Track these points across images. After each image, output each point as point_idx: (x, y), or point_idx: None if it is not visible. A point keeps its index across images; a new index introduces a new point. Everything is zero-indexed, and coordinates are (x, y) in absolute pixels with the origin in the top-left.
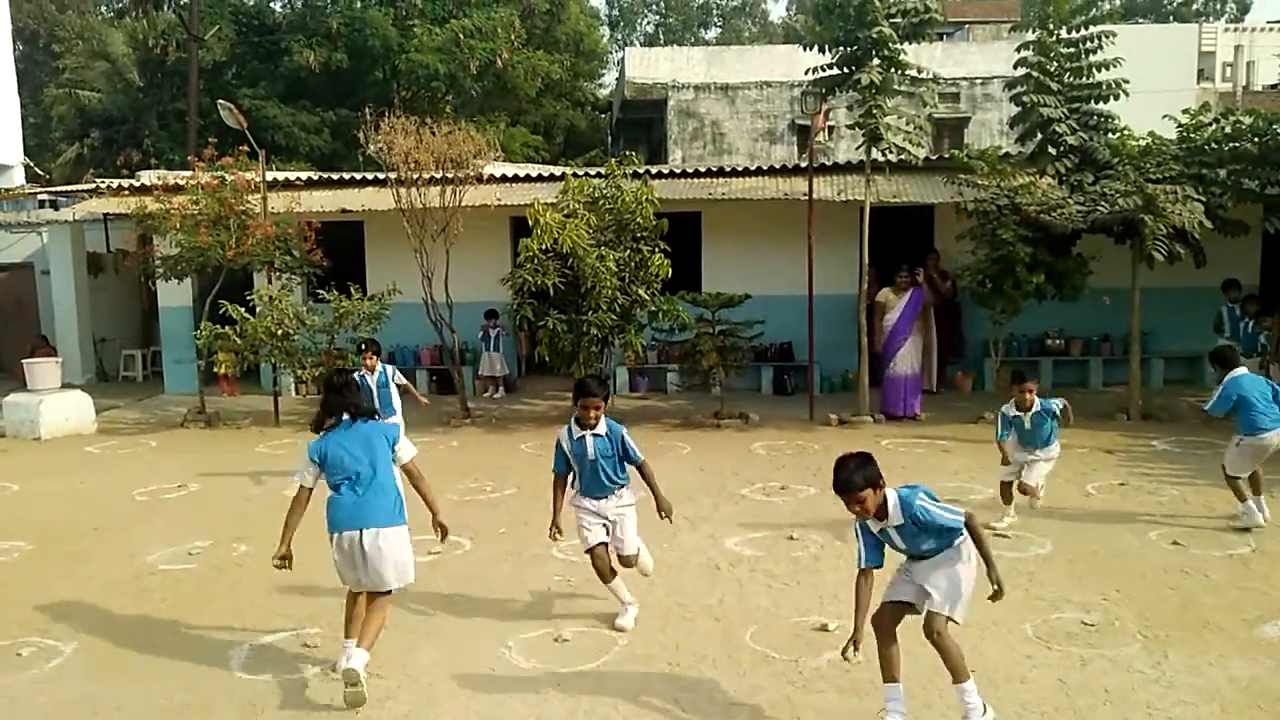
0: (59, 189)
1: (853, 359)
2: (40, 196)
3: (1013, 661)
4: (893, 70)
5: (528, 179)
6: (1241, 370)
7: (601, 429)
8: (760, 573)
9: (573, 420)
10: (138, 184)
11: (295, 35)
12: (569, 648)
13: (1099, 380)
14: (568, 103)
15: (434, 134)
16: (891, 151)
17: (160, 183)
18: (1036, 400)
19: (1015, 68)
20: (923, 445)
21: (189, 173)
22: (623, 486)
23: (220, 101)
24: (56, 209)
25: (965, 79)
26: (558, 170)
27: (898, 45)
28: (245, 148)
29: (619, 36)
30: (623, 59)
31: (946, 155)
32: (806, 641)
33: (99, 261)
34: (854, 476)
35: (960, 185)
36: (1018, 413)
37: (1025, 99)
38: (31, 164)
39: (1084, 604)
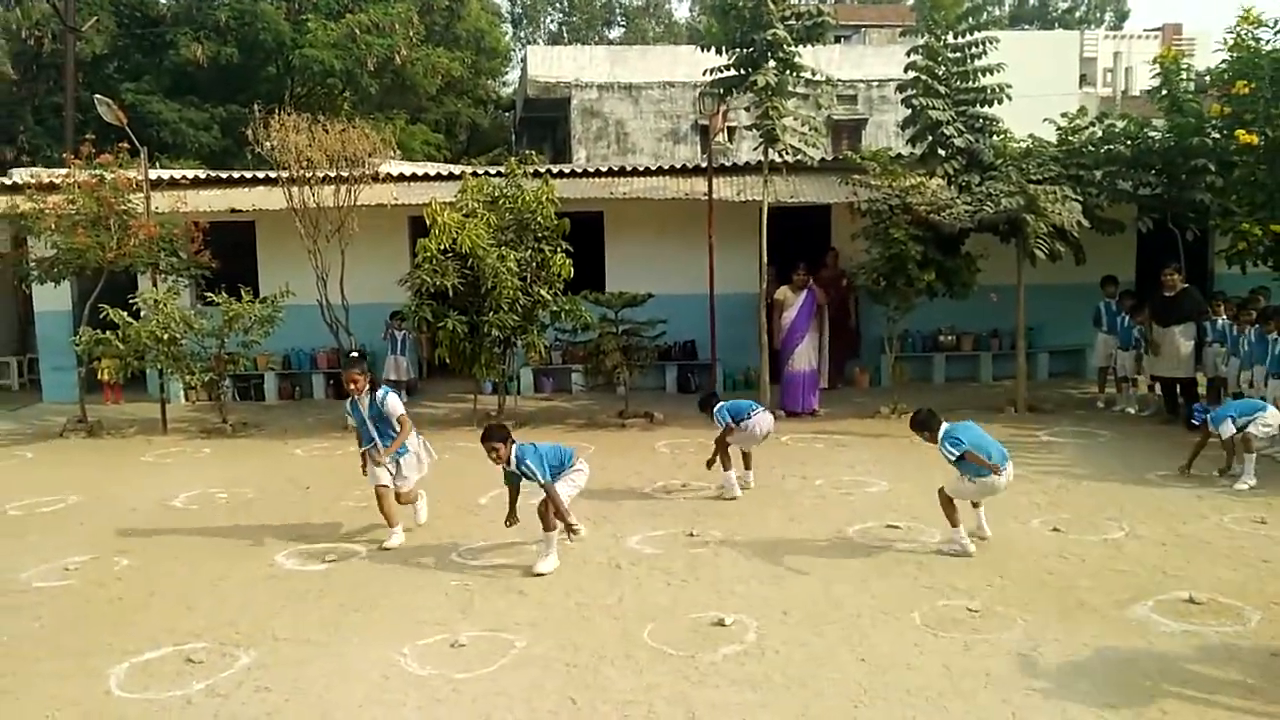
0: None
1: (755, 356)
2: None
3: (901, 648)
4: (788, 72)
5: (426, 178)
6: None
7: (512, 463)
8: (659, 570)
9: None
10: (9, 182)
11: (181, 28)
12: (466, 653)
13: (989, 375)
14: (470, 101)
15: (328, 131)
16: (788, 152)
17: (34, 181)
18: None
19: (906, 71)
20: (821, 440)
21: (65, 170)
22: (564, 470)
23: (98, 96)
24: None
25: (863, 81)
26: (458, 169)
27: (792, 48)
28: (126, 144)
29: (522, 34)
30: (525, 57)
31: (842, 156)
32: (703, 637)
33: None
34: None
35: (855, 185)
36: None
37: (915, 102)
38: None
39: (969, 591)
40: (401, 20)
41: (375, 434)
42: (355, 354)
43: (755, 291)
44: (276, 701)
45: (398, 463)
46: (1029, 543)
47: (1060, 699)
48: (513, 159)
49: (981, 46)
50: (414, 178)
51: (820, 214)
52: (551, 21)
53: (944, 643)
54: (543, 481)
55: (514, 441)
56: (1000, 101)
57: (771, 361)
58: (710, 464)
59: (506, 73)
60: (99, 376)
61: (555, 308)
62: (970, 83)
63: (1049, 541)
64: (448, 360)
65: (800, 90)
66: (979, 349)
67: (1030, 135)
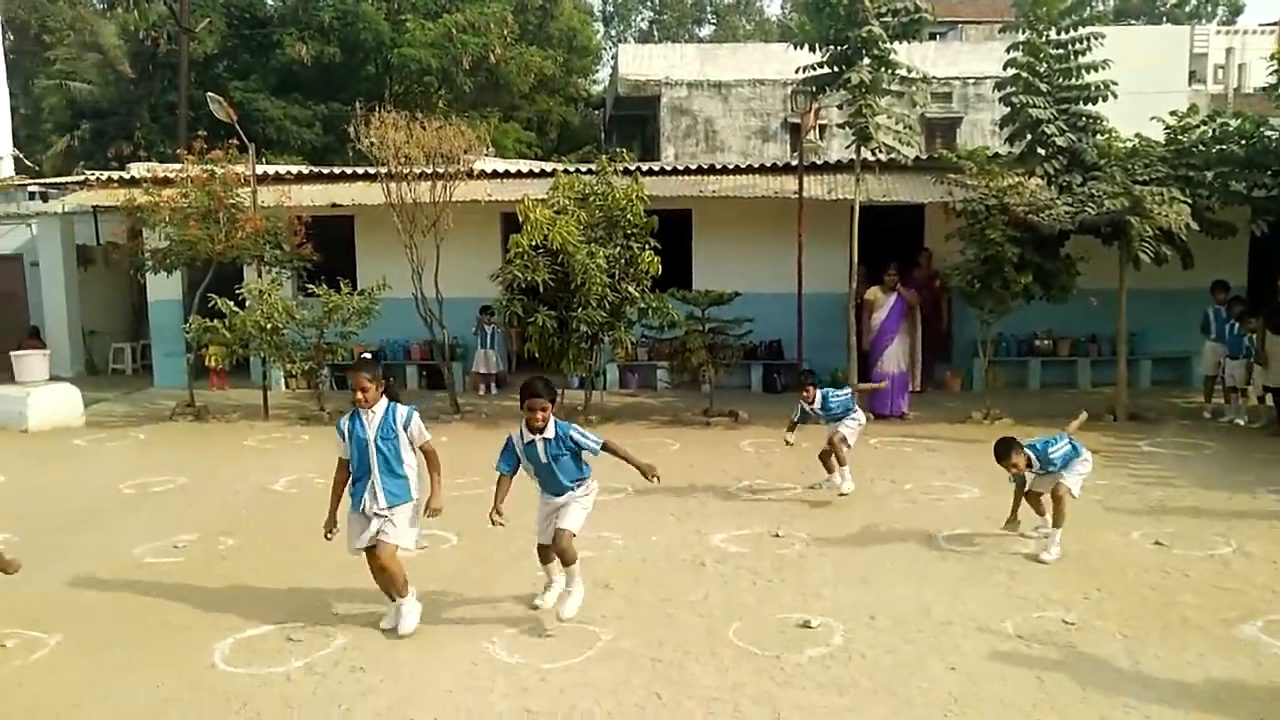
0: (49, 181)
1: (842, 357)
2: (30, 188)
3: (994, 659)
4: (883, 69)
5: (519, 175)
6: None
7: (550, 431)
8: (745, 569)
9: (523, 423)
10: (127, 176)
11: (287, 28)
12: (553, 643)
13: (1086, 381)
14: (561, 99)
15: (425, 129)
16: (881, 151)
17: (150, 175)
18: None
19: (1005, 68)
20: (910, 444)
21: (179, 166)
22: (583, 480)
23: (210, 94)
24: (46, 201)
25: (958, 79)
26: (549, 166)
27: (888, 44)
28: (235, 141)
29: (613, 33)
30: (616, 55)
31: (937, 155)
32: (789, 638)
33: (89, 254)
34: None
35: (950, 185)
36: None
37: (1014, 100)
38: (21, 155)
39: (1065, 603)
40: (496, 20)
41: (377, 465)
42: (367, 355)
43: (844, 291)
44: (371, 682)
45: (389, 514)
46: (1129, 556)
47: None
48: (603, 157)
49: (1085, 42)
50: (507, 175)
51: (913, 214)
52: (642, 20)
53: (1038, 655)
54: (596, 449)
55: None
56: (1105, 99)
57: (860, 363)
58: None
59: (597, 71)
60: (206, 363)
61: (643, 305)
62: (1073, 80)
63: (1150, 555)
64: (536, 354)
65: (895, 88)
66: (1076, 354)
67: (1137, 134)
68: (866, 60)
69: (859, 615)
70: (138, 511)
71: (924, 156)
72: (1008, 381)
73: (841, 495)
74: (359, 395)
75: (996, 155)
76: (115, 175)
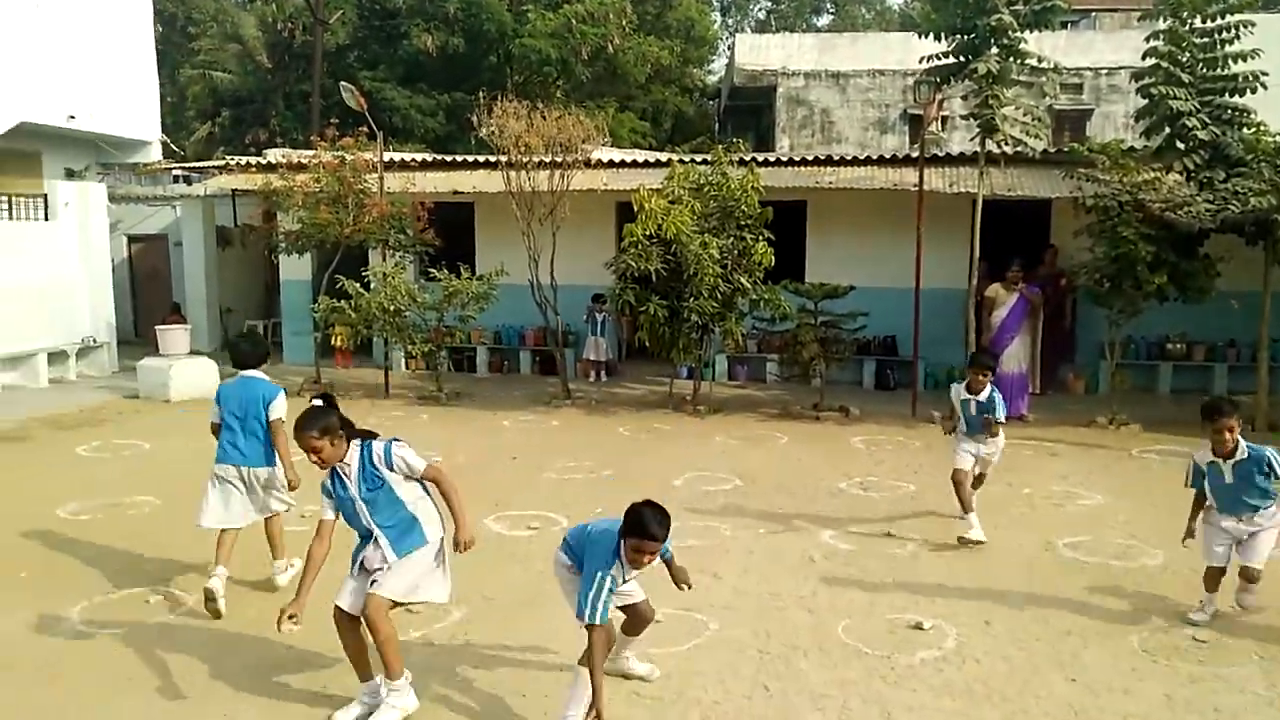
0: (192, 165)
1: (959, 355)
2: (175, 172)
3: (1117, 673)
4: (1011, 59)
5: (634, 164)
6: None
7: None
8: (855, 567)
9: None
10: (264, 162)
11: (414, 19)
12: (660, 629)
13: (1223, 388)
14: (676, 89)
15: (544, 118)
16: (1008, 143)
17: (285, 161)
18: (1241, 444)
19: (1144, 58)
20: (1030, 447)
21: (312, 152)
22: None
23: (342, 83)
24: (189, 184)
25: (1090, 69)
26: (664, 156)
27: (1018, 33)
28: (365, 129)
29: (730, 22)
30: (733, 45)
31: (1066, 148)
32: (900, 639)
33: (226, 235)
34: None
35: (1080, 180)
36: (1214, 458)
37: (1153, 91)
38: (168, 141)
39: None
40: (615, 10)
41: (374, 522)
42: (317, 402)
43: (961, 287)
44: (484, 655)
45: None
46: (1270, 571)
47: None
48: (718, 147)
49: (1233, 30)
50: (622, 164)
51: (1039, 209)
52: (760, 9)
53: (1165, 671)
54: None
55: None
56: (1253, 91)
57: None
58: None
59: (713, 61)
60: (332, 342)
61: (754, 296)
62: (1218, 70)
63: None
64: (647, 343)
65: (1024, 78)
66: (1212, 360)
67: None
68: (994, 50)
69: (973, 620)
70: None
71: (1052, 150)
72: (1135, 386)
73: (967, 542)
74: (312, 459)
75: (1132, 149)
76: (252, 160)
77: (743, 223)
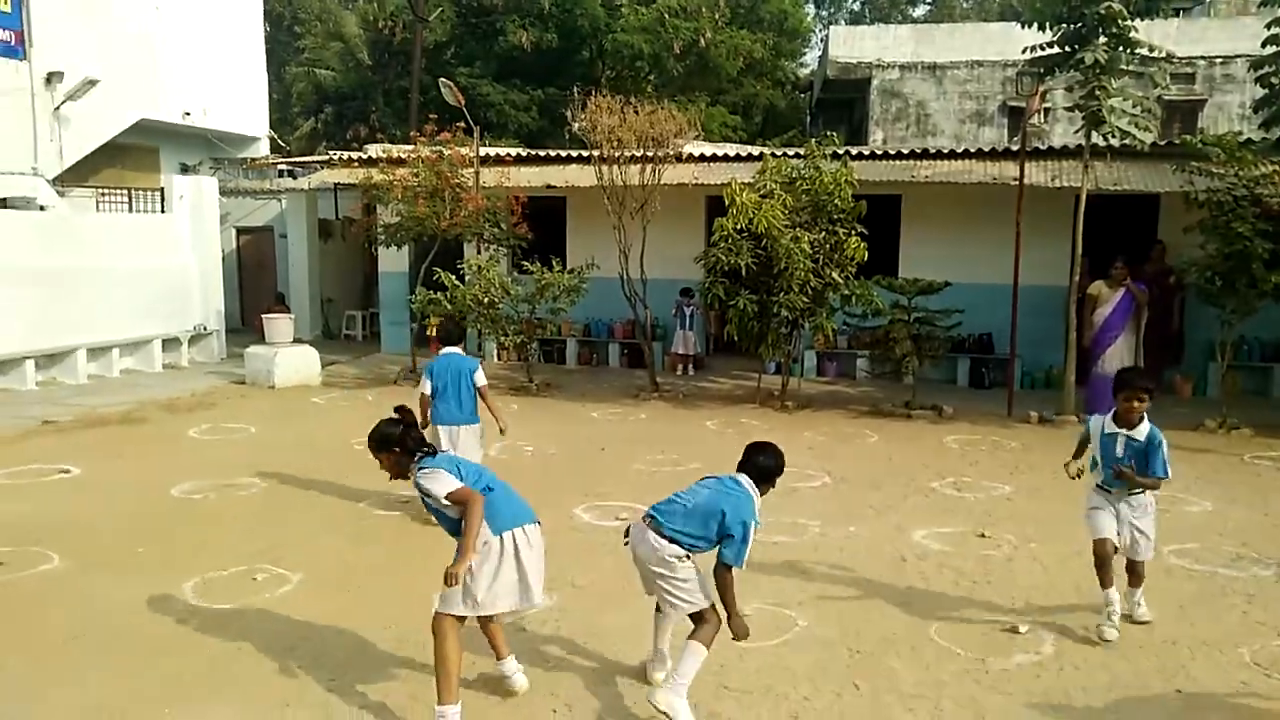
0: (296, 160)
1: (1058, 354)
2: (280, 167)
3: (1226, 686)
4: (1120, 49)
5: (725, 158)
6: None
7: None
8: (948, 568)
9: None
10: (365, 156)
11: (510, 16)
12: (750, 624)
13: None
14: (768, 82)
15: (637, 113)
16: (1114, 136)
17: (385, 156)
18: (1145, 422)
19: (1263, 46)
20: None
21: (410, 147)
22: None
23: (441, 80)
24: (294, 178)
25: (1203, 58)
26: (755, 150)
27: (1128, 21)
28: (462, 124)
29: (824, 14)
30: (826, 37)
31: (1177, 141)
32: (994, 642)
33: (328, 228)
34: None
35: (1192, 174)
36: (1116, 428)
37: (1273, 80)
38: (275, 136)
39: None
40: (708, 3)
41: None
42: (394, 413)
43: (1062, 285)
44: (575, 643)
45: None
46: None
47: None
48: (811, 140)
49: None
50: (713, 158)
51: (1145, 204)
52: (854, 1)
53: (1278, 686)
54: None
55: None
56: None
57: (1079, 360)
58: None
59: (805, 54)
60: (428, 332)
61: (846, 291)
62: None
63: None
64: (735, 338)
65: (1132, 68)
66: None
67: None
68: (1102, 39)
69: (1072, 626)
70: (367, 467)
71: (1162, 142)
72: (1247, 389)
73: (1137, 620)
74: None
75: (1249, 141)
76: (354, 155)
77: (835, 217)
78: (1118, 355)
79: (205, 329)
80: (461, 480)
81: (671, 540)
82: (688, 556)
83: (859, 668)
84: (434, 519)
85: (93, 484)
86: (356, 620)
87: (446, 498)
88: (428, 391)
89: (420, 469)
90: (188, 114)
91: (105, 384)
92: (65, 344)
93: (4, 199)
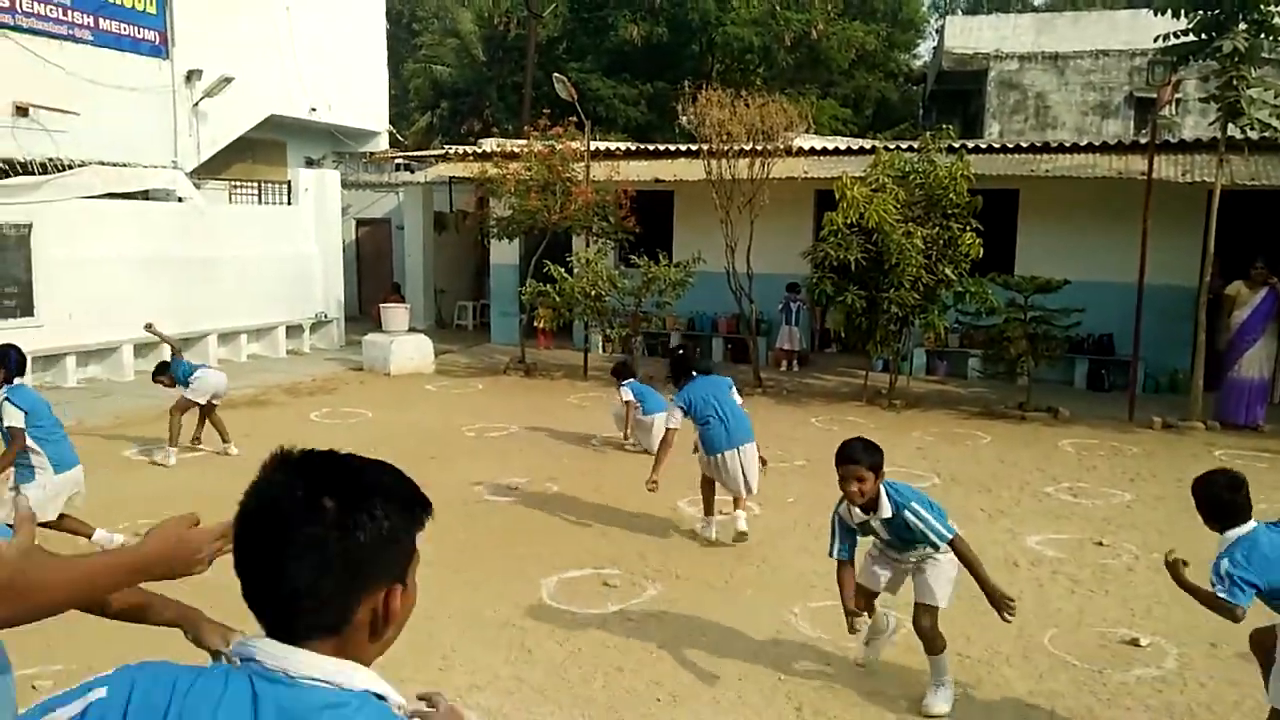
0: (413, 154)
1: (1184, 357)
2: (398, 160)
3: None
4: (1262, 35)
5: (835, 152)
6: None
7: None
8: (1063, 575)
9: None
10: (479, 151)
11: (621, 10)
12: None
13: None
14: (880, 74)
15: (747, 106)
16: (1253, 128)
17: (499, 150)
18: (883, 497)
19: None
20: (1265, 459)
21: (523, 141)
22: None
23: (555, 75)
24: (411, 172)
25: None
26: (866, 144)
27: (1271, 7)
28: (573, 118)
29: (940, 4)
30: (942, 28)
31: None
32: (1113, 653)
33: (443, 220)
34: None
35: None
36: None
37: None
38: (393, 131)
39: None
40: None
41: None
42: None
43: (1190, 285)
44: (677, 633)
45: None
46: None
47: None
48: (926, 134)
49: None
50: (823, 152)
51: None
52: None
53: None
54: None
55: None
56: None
57: (1211, 365)
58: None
59: (919, 44)
60: (535, 324)
61: (959, 288)
62: None
63: None
64: (842, 334)
65: (1275, 56)
66: None
67: None
68: (1242, 25)
69: (1197, 640)
70: (478, 453)
71: None
72: None
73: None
74: None
75: None
76: (468, 150)
77: (950, 212)
78: (1256, 360)
79: (326, 317)
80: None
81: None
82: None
83: (970, 673)
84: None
85: (223, 463)
86: (465, 601)
87: None
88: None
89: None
90: (314, 110)
91: (233, 368)
92: (198, 329)
93: (147, 191)
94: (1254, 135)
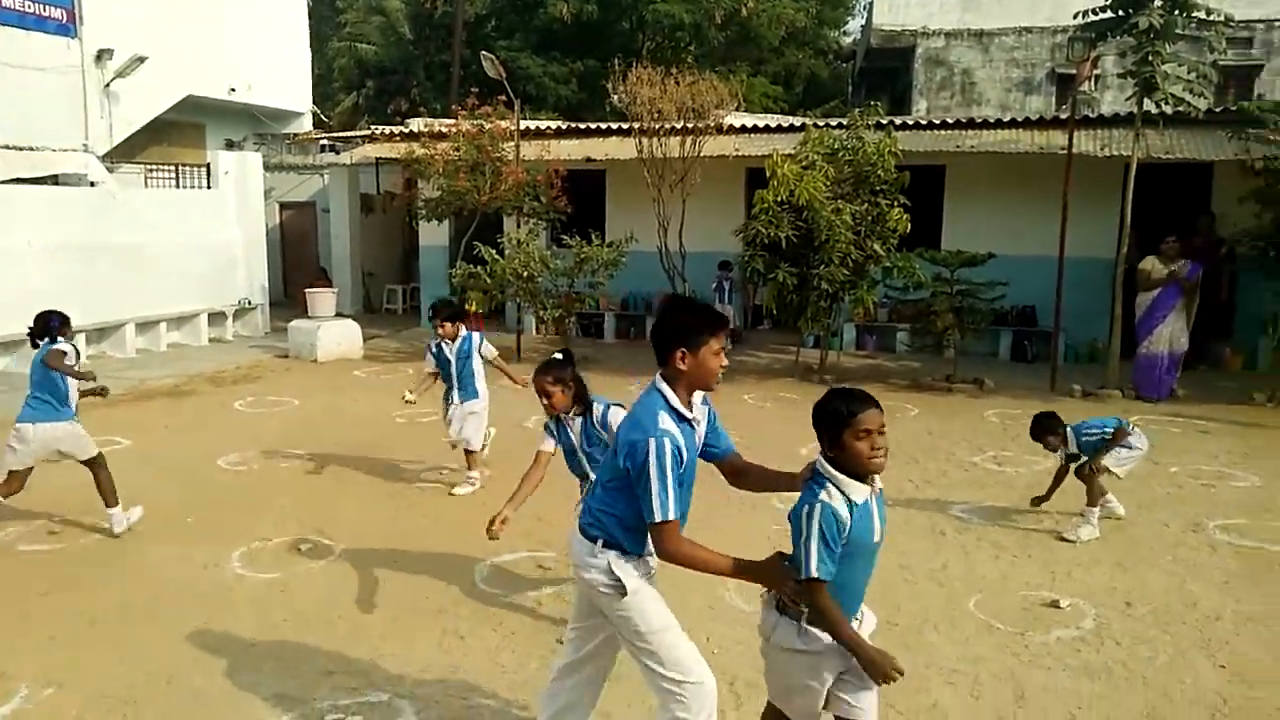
0: (338, 135)
1: (1103, 328)
2: (322, 141)
3: (1275, 663)
4: (1176, 12)
5: (766, 130)
6: None
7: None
8: (988, 542)
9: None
10: (406, 131)
11: None
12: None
13: None
14: (810, 51)
15: (677, 84)
16: (1168, 103)
17: (426, 130)
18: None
19: None
20: (1178, 425)
21: (452, 121)
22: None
23: (483, 53)
24: (336, 153)
25: (1261, 21)
26: (796, 121)
27: None
28: (502, 97)
29: None
30: (870, 4)
31: (1233, 107)
32: (1034, 616)
33: (369, 202)
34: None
35: (1248, 141)
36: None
37: None
38: (317, 111)
39: None
40: None
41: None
42: (558, 355)
43: (1109, 257)
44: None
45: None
46: None
47: None
48: (855, 111)
49: None
50: (754, 130)
51: (1197, 173)
52: None
53: None
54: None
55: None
56: None
57: (1127, 335)
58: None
59: (848, 21)
60: (467, 306)
61: (888, 263)
62: None
63: None
64: (774, 311)
65: (1188, 32)
66: None
67: None
68: (1158, 2)
69: (1113, 600)
70: (409, 440)
71: (1216, 109)
72: None
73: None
74: (542, 400)
75: None
76: (395, 130)
77: (878, 188)
78: (1166, 337)
79: (249, 303)
80: None
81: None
82: None
83: (898, 640)
84: (574, 461)
85: (142, 455)
86: (397, 590)
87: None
88: None
89: (608, 406)
90: (233, 90)
91: (153, 357)
92: (114, 318)
93: (56, 176)
94: (1168, 110)
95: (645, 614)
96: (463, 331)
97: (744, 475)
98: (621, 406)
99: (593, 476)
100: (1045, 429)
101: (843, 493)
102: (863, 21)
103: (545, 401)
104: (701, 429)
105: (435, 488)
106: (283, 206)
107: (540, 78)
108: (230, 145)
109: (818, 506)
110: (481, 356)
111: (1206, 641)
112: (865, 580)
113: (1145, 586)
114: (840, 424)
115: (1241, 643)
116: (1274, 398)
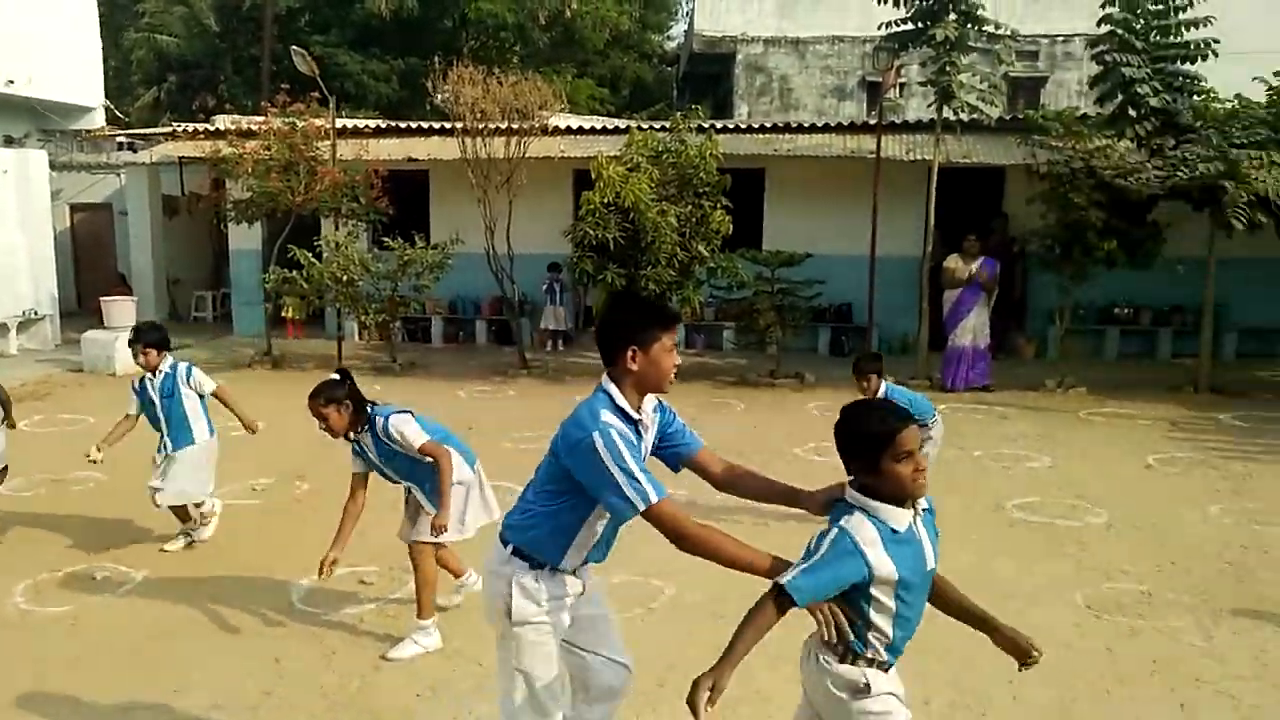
0: (137, 132)
1: (913, 322)
2: (119, 139)
3: (1061, 629)
4: (969, 25)
5: (592, 131)
6: None
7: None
8: (805, 533)
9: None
10: (212, 128)
11: None
12: (616, 594)
13: (1167, 351)
14: (635, 55)
15: (501, 84)
16: (963, 110)
17: (234, 127)
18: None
19: (1099, 25)
20: (981, 411)
21: (262, 118)
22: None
23: (294, 48)
24: (134, 151)
25: (1045, 36)
26: (622, 123)
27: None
28: (316, 94)
29: None
30: (692, 10)
31: (1021, 116)
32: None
33: (173, 204)
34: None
35: (1034, 147)
36: None
37: (1107, 58)
38: (111, 106)
39: (1137, 575)
40: None
41: (401, 480)
42: (335, 375)
43: (917, 255)
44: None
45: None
46: (1205, 531)
47: (1232, 695)
48: (677, 114)
49: None
50: (580, 131)
51: (992, 177)
52: None
53: (1107, 626)
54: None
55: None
56: (1204, 59)
57: (934, 331)
58: None
59: (672, 26)
60: (283, 313)
61: (712, 264)
62: (1172, 37)
63: (1229, 531)
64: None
65: (981, 44)
66: (1158, 324)
67: (1237, 95)
68: (953, 15)
69: None
70: (218, 455)
71: (1007, 117)
72: (1084, 350)
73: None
74: (320, 426)
75: (1085, 116)
76: (200, 127)
77: (701, 190)
78: (970, 330)
79: (36, 313)
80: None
81: None
82: None
83: (725, 632)
84: (383, 471)
85: None
86: (206, 616)
87: (420, 449)
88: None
89: (388, 416)
90: (11, 82)
91: None
92: None
93: None
94: (964, 117)
95: (524, 654)
96: (167, 361)
97: (733, 480)
98: (409, 413)
99: (408, 486)
100: (870, 369)
101: (881, 522)
102: (686, 27)
103: (323, 426)
104: (650, 436)
105: (249, 505)
106: (74, 209)
107: (359, 75)
108: (10, 142)
109: (840, 534)
110: (193, 391)
111: (1004, 614)
112: (921, 611)
113: (950, 565)
114: (878, 447)
115: (1035, 613)
116: (1063, 383)
